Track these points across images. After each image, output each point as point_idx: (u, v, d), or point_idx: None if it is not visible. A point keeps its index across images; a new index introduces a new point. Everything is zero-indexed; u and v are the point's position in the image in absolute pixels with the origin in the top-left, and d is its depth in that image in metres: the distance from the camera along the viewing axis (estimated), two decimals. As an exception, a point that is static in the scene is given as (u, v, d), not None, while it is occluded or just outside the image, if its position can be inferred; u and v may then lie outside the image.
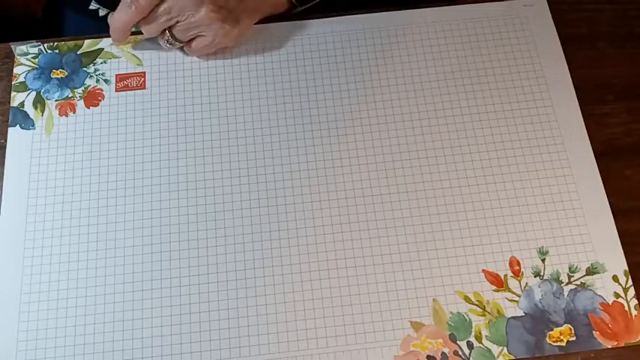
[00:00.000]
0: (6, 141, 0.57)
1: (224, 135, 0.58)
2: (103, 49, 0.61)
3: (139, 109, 0.59)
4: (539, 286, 0.52)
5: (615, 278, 0.52)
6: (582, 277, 0.52)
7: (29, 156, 0.57)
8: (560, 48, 0.61)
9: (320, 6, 0.63)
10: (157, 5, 0.56)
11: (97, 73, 0.60)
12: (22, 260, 0.53)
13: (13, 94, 0.59)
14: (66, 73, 0.60)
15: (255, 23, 0.61)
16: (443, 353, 0.50)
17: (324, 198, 0.55)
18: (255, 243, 0.54)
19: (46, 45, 0.62)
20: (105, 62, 0.61)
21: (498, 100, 0.59)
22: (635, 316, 0.51)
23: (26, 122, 0.58)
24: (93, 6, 0.69)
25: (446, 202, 0.55)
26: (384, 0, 0.64)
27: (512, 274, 0.53)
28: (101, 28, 0.61)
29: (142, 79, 0.60)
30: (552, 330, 0.51)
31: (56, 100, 0.59)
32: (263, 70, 0.61)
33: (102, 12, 0.69)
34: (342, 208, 0.55)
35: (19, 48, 0.61)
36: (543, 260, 0.53)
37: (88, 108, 0.59)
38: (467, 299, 0.52)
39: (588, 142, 0.57)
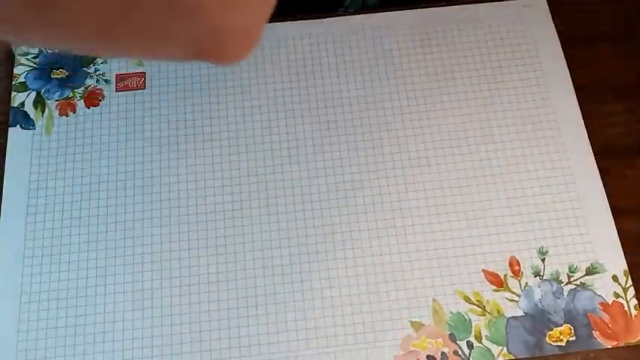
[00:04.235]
0: (6, 141, 0.57)
1: (224, 135, 0.58)
2: (103, 49, 0.61)
3: (139, 109, 0.59)
4: (539, 286, 0.52)
5: (615, 278, 0.52)
6: (582, 277, 0.52)
7: (29, 156, 0.57)
8: (560, 48, 0.61)
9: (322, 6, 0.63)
10: None
11: (97, 73, 0.60)
12: (22, 260, 0.53)
13: (13, 94, 0.59)
14: (66, 73, 0.60)
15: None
16: (443, 353, 0.50)
17: (324, 198, 0.55)
18: (255, 243, 0.54)
19: (46, 45, 0.62)
20: (105, 62, 0.61)
21: (498, 100, 0.59)
22: (635, 316, 0.51)
23: (26, 122, 0.58)
24: None
25: (446, 202, 0.55)
26: (383, 0, 0.64)
27: (512, 274, 0.53)
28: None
29: (142, 79, 0.60)
30: (552, 330, 0.51)
31: (56, 100, 0.59)
32: (263, 70, 0.61)
33: None
34: (342, 208, 0.55)
35: (19, 48, 0.61)
36: (543, 260, 0.53)
37: (89, 108, 0.59)
38: (467, 299, 0.52)
39: (588, 142, 0.57)
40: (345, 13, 0.64)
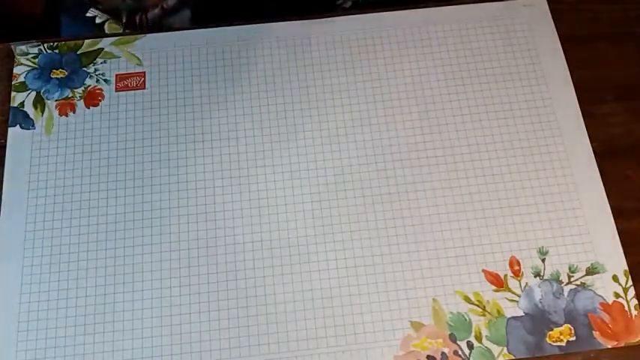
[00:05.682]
0: (6, 141, 0.57)
1: (224, 135, 0.58)
2: (102, 48, 0.61)
3: (138, 109, 0.59)
4: (539, 286, 0.52)
5: (615, 278, 0.52)
6: (582, 277, 0.52)
7: (29, 156, 0.57)
8: (560, 48, 0.61)
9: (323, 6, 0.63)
10: None
11: (97, 73, 0.60)
12: (22, 260, 0.53)
13: (13, 94, 0.59)
14: (66, 73, 0.60)
15: (255, 23, 0.61)
16: (443, 353, 0.50)
17: (323, 198, 0.55)
18: (254, 243, 0.54)
19: (46, 45, 0.62)
20: (105, 62, 0.61)
21: (498, 100, 0.59)
22: (635, 316, 0.51)
23: (26, 122, 0.58)
24: (90, 13, 0.69)
25: (446, 202, 0.55)
26: (384, 0, 0.64)
27: (512, 274, 0.53)
28: (98, 36, 0.62)
29: (142, 78, 0.60)
30: (552, 330, 0.51)
31: (56, 100, 0.59)
32: (263, 70, 0.61)
33: (99, 19, 0.69)
34: (341, 208, 0.55)
35: (19, 48, 0.61)
36: (543, 260, 0.53)
37: (88, 108, 0.59)
38: (467, 299, 0.52)
39: (588, 142, 0.57)
40: (343, 12, 0.63)
